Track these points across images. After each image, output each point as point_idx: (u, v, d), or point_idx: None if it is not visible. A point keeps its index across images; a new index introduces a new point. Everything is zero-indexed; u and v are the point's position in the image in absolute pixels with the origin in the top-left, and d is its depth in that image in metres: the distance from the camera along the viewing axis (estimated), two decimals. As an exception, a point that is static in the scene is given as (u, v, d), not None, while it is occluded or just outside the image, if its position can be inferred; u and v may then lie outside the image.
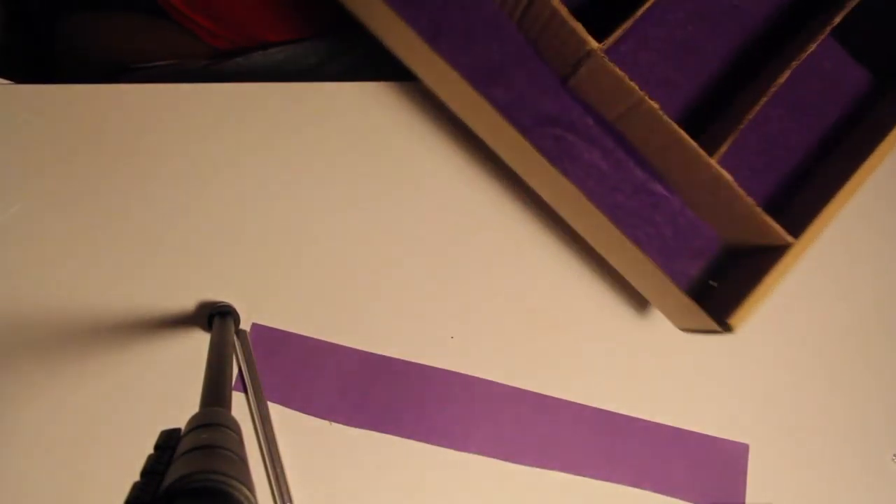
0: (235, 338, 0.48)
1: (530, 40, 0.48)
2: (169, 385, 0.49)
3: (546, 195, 0.51)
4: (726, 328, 0.44)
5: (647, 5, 0.45)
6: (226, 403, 0.33)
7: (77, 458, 0.48)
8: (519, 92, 0.49)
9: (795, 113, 0.51)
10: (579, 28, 0.44)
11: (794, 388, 0.55)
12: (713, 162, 0.44)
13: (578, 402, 0.52)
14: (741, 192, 0.45)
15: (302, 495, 0.49)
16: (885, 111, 0.50)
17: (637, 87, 0.44)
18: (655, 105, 0.44)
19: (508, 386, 0.52)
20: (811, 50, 0.47)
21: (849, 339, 0.55)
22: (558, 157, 0.49)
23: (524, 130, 0.48)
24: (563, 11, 0.44)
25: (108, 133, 0.50)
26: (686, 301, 0.46)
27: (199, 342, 0.49)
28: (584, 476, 0.52)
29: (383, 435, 0.50)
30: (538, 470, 0.51)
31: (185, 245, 0.50)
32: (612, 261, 0.51)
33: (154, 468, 0.26)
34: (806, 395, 0.55)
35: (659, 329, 0.54)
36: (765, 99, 0.45)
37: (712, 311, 0.46)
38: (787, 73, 0.46)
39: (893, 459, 0.55)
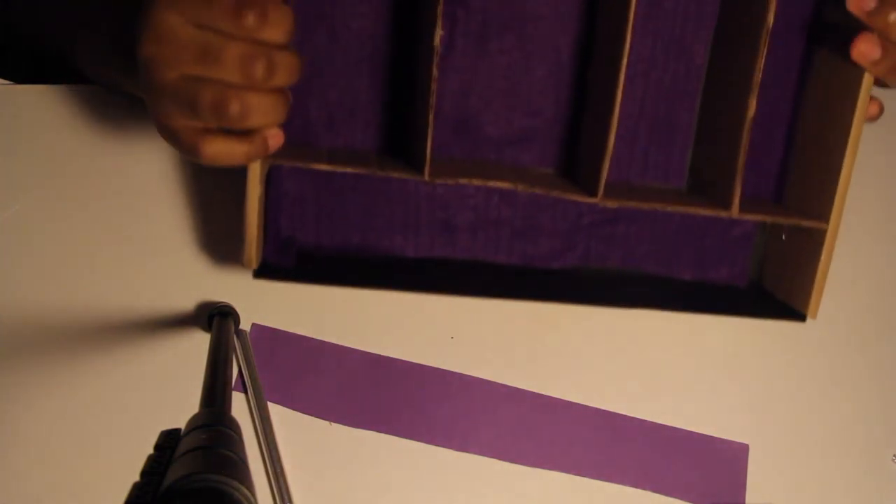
0: (235, 338, 0.48)
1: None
2: (169, 385, 0.49)
3: None
4: (804, 318, 0.47)
5: (610, 146, 0.43)
6: (226, 404, 0.33)
7: (77, 458, 0.48)
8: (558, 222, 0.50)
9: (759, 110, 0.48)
10: (575, 196, 0.44)
11: (793, 388, 0.55)
12: (735, 216, 0.45)
13: (578, 402, 0.52)
14: (767, 218, 0.47)
15: (302, 495, 0.49)
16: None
17: (653, 204, 0.45)
18: (676, 208, 0.45)
19: (508, 386, 0.52)
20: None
21: (849, 339, 0.55)
22: (603, 251, 0.50)
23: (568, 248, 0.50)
24: (557, 192, 0.45)
25: (109, 133, 0.50)
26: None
27: (199, 342, 0.49)
28: (583, 476, 0.52)
29: (383, 435, 0.50)
30: (538, 470, 0.51)
31: (185, 245, 0.50)
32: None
33: (154, 468, 0.26)
34: (806, 394, 0.55)
35: (659, 329, 0.54)
36: (747, 125, 0.44)
37: (780, 309, 0.49)
38: (753, 104, 0.44)
39: (893, 459, 0.55)
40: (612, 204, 0.44)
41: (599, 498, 0.52)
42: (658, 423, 0.53)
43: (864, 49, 0.41)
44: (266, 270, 0.45)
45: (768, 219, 0.47)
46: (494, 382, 0.52)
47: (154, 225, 0.50)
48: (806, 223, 0.46)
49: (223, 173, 0.50)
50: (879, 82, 0.44)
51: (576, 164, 0.49)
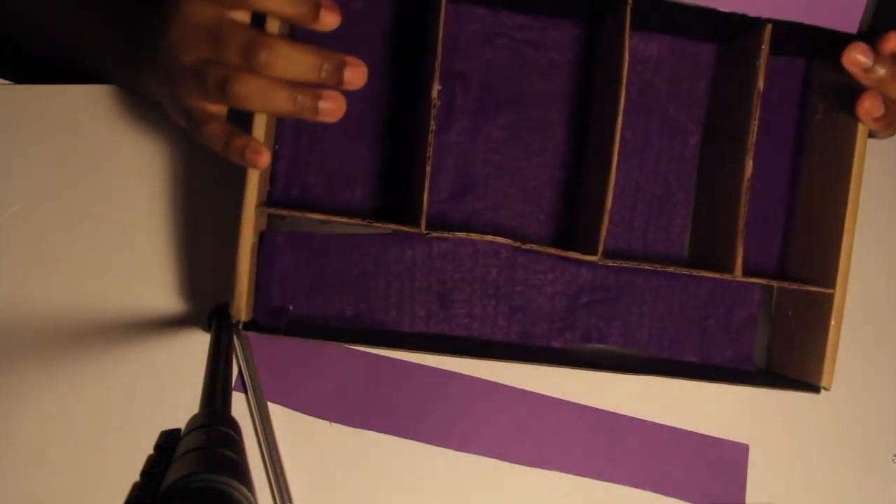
0: (235, 338, 0.48)
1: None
2: (169, 386, 0.49)
3: None
4: (819, 389, 0.47)
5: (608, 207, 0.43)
6: (226, 404, 0.33)
7: (77, 458, 0.48)
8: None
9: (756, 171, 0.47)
10: (574, 255, 0.44)
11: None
12: (739, 277, 0.44)
13: (578, 402, 0.52)
14: (774, 283, 0.47)
15: (302, 495, 0.49)
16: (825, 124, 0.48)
17: (654, 265, 0.45)
18: (677, 269, 0.45)
19: (508, 386, 0.52)
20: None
21: (848, 339, 0.55)
22: (604, 330, 0.50)
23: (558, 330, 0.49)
24: (555, 250, 0.44)
25: (109, 133, 0.50)
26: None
27: (199, 342, 0.49)
28: (583, 476, 0.52)
29: (383, 435, 0.50)
30: (538, 470, 0.51)
31: (186, 245, 0.50)
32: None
33: (154, 468, 0.26)
34: (806, 395, 0.55)
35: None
36: (745, 185, 0.44)
37: (794, 382, 0.48)
38: (749, 165, 0.44)
39: (893, 460, 0.55)
40: (612, 263, 0.44)
41: (599, 498, 0.52)
42: (658, 423, 0.53)
43: (869, 106, 0.42)
44: (254, 326, 0.45)
45: (774, 283, 0.47)
46: (494, 382, 0.52)
47: (155, 225, 0.50)
48: (812, 288, 0.46)
49: (225, 174, 0.51)
50: (869, 133, 0.44)
51: (573, 236, 0.49)
